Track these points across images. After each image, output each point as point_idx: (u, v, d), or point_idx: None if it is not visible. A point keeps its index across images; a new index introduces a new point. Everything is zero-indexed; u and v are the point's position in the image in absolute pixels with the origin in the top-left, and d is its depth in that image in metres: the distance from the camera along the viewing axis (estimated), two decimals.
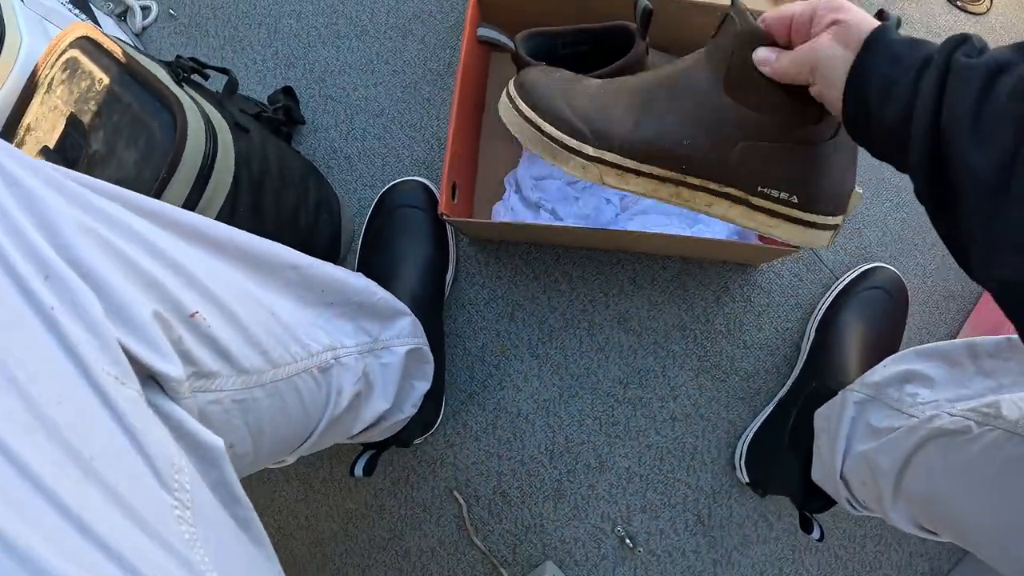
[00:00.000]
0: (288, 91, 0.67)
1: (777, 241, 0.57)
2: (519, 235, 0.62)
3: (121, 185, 0.45)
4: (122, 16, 0.72)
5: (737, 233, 0.62)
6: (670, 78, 0.40)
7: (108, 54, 0.46)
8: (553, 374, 0.62)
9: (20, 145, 0.47)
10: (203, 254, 0.32)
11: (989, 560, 0.37)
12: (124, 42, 0.49)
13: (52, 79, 0.47)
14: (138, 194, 0.29)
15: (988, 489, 0.36)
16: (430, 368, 0.53)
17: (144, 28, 0.71)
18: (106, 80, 0.46)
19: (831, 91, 0.32)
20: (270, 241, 0.36)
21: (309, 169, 0.63)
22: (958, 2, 0.72)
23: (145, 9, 0.71)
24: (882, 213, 0.67)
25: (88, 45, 0.47)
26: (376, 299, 0.46)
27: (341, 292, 0.42)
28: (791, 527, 0.63)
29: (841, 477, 0.48)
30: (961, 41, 0.29)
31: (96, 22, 0.66)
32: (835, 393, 0.52)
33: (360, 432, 0.47)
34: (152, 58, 0.50)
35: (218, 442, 0.27)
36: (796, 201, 0.38)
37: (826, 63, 0.32)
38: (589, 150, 0.42)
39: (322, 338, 0.39)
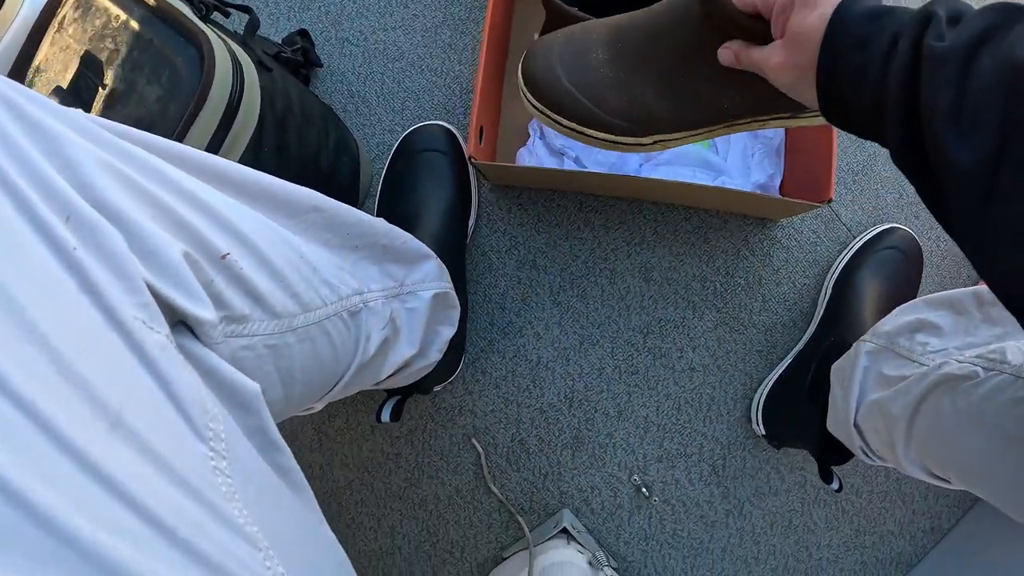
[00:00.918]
0: (304, 33, 0.65)
1: (800, 195, 0.57)
2: (544, 181, 0.61)
3: (144, 122, 0.43)
4: None
5: (759, 187, 0.62)
6: (680, 48, 0.41)
7: None
8: (574, 322, 0.62)
9: (30, 88, 0.45)
10: (229, 196, 0.30)
11: (994, 501, 0.38)
12: None
13: (64, 18, 0.45)
14: (160, 137, 0.28)
15: (993, 431, 0.36)
16: (456, 313, 0.52)
17: None
18: (123, 16, 0.44)
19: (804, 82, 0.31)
20: (292, 183, 0.35)
21: (328, 111, 0.62)
22: None
23: None
24: (900, 175, 0.67)
25: None
26: (400, 242, 0.45)
27: (366, 235, 0.41)
28: (801, 480, 0.64)
29: (855, 425, 0.49)
30: (927, 19, 0.26)
31: None
32: (851, 346, 0.52)
33: (385, 379, 0.46)
34: None
35: (254, 386, 0.26)
36: None
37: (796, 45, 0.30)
38: (645, 140, 0.44)
39: (350, 282, 0.38)
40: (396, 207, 0.58)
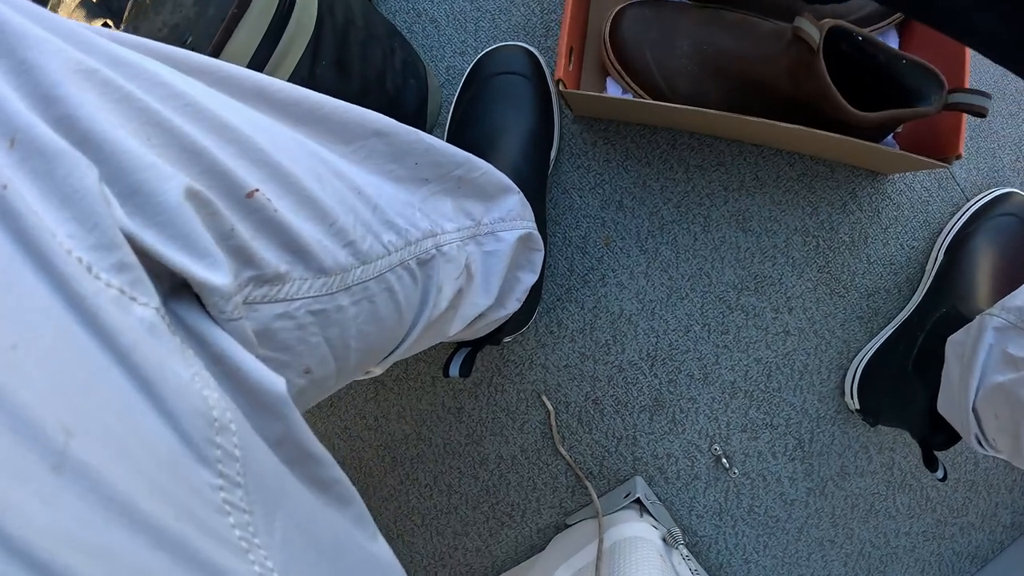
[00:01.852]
0: None
1: (921, 149, 0.51)
2: (635, 115, 0.55)
3: (180, 28, 0.36)
4: None
5: None
6: (754, 75, 0.48)
7: None
8: (662, 272, 0.56)
9: (56, 3, 0.38)
10: (264, 117, 0.23)
11: None
12: None
13: None
14: (180, 48, 0.21)
15: None
16: (539, 257, 0.46)
17: None
18: None
19: None
20: (347, 104, 0.28)
21: (392, 29, 0.55)
22: None
23: None
24: (1019, 135, 0.61)
25: None
26: (479, 173, 0.38)
27: (438, 165, 0.34)
28: (889, 462, 0.59)
29: (973, 409, 0.44)
30: None
31: None
32: (968, 319, 0.47)
33: (454, 334, 0.40)
34: None
35: (278, 384, 0.19)
36: None
37: None
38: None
39: (420, 222, 0.31)
40: (469, 136, 0.52)
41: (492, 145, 0.50)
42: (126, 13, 0.39)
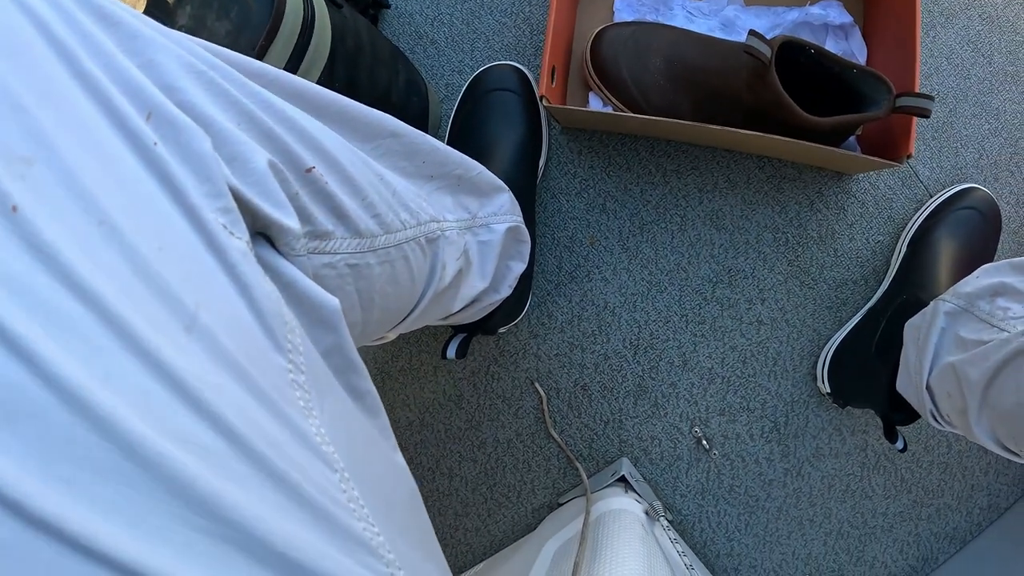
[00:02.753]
0: None
1: (878, 151, 0.56)
2: (615, 125, 0.60)
3: None
4: None
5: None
6: (719, 88, 0.53)
7: None
8: (642, 268, 0.61)
9: None
10: (309, 115, 0.29)
11: None
12: None
13: None
14: (239, 54, 0.26)
15: None
16: (526, 248, 0.52)
17: None
18: None
19: None
20: (369, 107, 0.34)
21: (396, 51, 0.61)
22: None
23: None
24: (980, 135, 0.65)
25: None
26: (475, 173, 0.45)
27: (441, 164, 0.41)
28: (863, 444, 0.62)
29: (927, 387, 0.47)
30: None
31: None
32: (926, 305, 0.51)
33: (455, 313, 0.46)
34: None
35: (333, 301, 0.24)
36: None
37: None
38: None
39: (428, 209, 0.37)
40: (466, 146, 0.57)
41: (486, 155, 0.56)
42: None
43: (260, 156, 0.23)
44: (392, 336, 0.44)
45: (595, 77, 0.59)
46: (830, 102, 0.53)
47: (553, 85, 0.55)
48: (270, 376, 0.19)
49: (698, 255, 0.61)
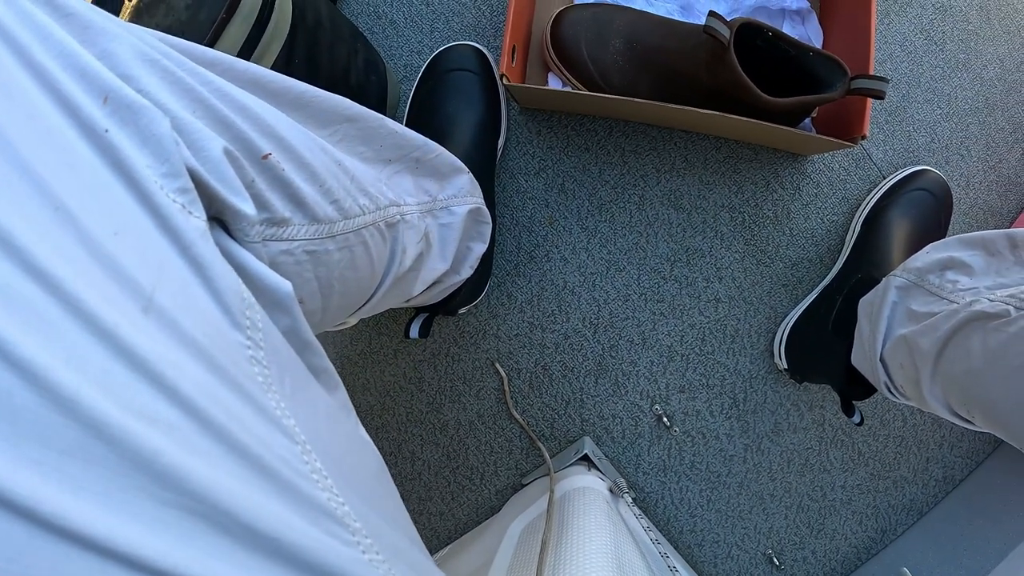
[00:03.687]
0: None
1: (833, 132, 0.57)
2: (574, 105, 0.60)
3: (174, 30, 0.42)
4: None
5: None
6: (678, 68, 0.54)
7: None
8: (601, 247, 0.61)
9: None
10: (264, 102, 0.29)
11: (1018, 443, 0.38)
12: None
13: None
14: (193, 43, 0.26)
15: (1022, 371, 0.36)
16: (487, 229, 0.52)
17: None
18: None
19: None
20: (325, 92, 0.34)
21: (355, 30, 0.60)
22: None
23: None
24: (932, 119, 0.67)
25: None
26: (434, 155, 0.44)
27: (399, 147, 0.40)
28: (820, 419, 0.64)
29: (880, 360, 0.49)
30: None
31: None
32: (880, 282, 0.52)
33: (416, 296, 0.46)
34: None
35: (286, 285, 0.24)
36: None
37: None
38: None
39: (387, 193, 0.37)
40: (425, 126, 0.57)
41: (445, 135, 0.55)
42: (121, 15, 0.44)
43: (215, 143, 0.23)
44: (353, 321, 0.44)
45: (555, 57, 0.59)
46: (787, 84, 0.53)
47: (513, 64, 0.55)
48: (228, 353, 0.19)
49: (656, 234, 0.61)
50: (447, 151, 0.46)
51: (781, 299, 0.62)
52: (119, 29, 0.22)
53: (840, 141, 0.52)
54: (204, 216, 0.21)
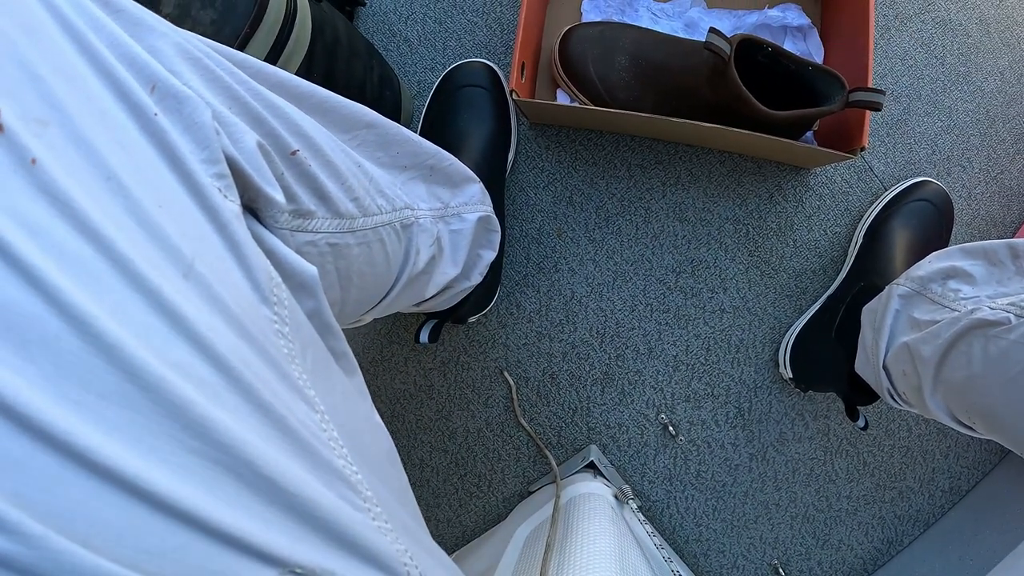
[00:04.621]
0: None
1: (834, 144, 0.58)
2: (582, 121, 0.62)
3: None
4: None
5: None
6: (682, 86, 0.55)
7: None
8: (608, 259, 0.62)
9: None
10: (292, 105, 0.31)
11: (1019, 449, 0.38)
12: None
13: None
14: (224, 46, 0.28)
15: (1022, 378, 0.36)
16: (497, 237, 0.53)
17: None
18: None
19: None
20: (346, 99, 0.36)
21: (371, 47, 0.62)
22: None
23: None
24: (933, 132, 0.68)
25: None
26: (447, 164, 0.46)
27: (415, 154, 0.42)
28: (825, 428, 0.64)
29: (883, 367, 0.49)
30: None
31: None
32: (882, 291, 0.53)
33: (427, 299, 0.47)
34: None
35: (312, 269, 0.25)
36: None
37: None
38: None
39: (403, 197, 0.39)
40: (437, 140, 0.58)
41: (457, 148, 0.57)
42: None
43: (250, 137, 0.24)
44: (367, 319, 0.45)
45: (563, 74, 0.61)
46: (787, 99, 0.55)
47: (523, 80, 0.57)
48: (258, 324, 0.20)
49: (662, 246, 0.63)
50: (459, 161, 0.48)
51: (785, 309, 0.63)
52: (165, 27, 0.23)
53: (840, 153, 0.54)
54: (239, 201, 0.23)
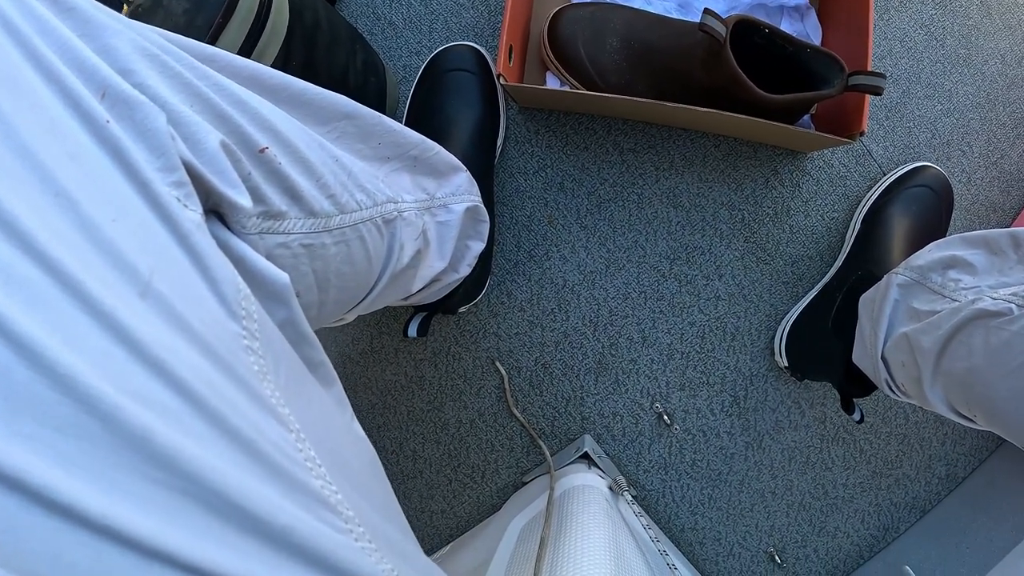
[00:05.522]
0: None
1: (832, 128, 0.57)
2: (572, 104, 0.61)
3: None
4: None
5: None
6: (675, 68, 0.54)
7: None
8: (600, 246, 0.61)
9: None
10: (263, 99, 0.29)
11: (1020, 442, 0.38)
12: None
13: None
14: (191, 39, 0.27)
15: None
16: (485, 227, 0.52)
17: None
18: None
19: None
20: (324, 89, 0.34)
21: (354, 32, 0.61)
22: None
23: None
24: (933, 115, 0.66)
25: None
26: (432, 153, 0.45)
27: (397, 145, 0.41)
28: (821, 416, 0.64)
29: (882, 357, 0.49)
30: None
31: None
32: (880, 280, 0.52)
33: (414, 293, 0.46)
34: None
35: (283, 276, 0.24)
36: None
37: None
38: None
39: (385, 190, 0.37)
40: (424, 127, 0.57)
41: (444, 135, 0.56)
42: None
43: (212, 136, 0.23)
44: (351, 318, 0.44)
45: (552, 57, 0.59)
46: (785, 82, 0.53)
47: (511, 64, 0.55)
48: (224, 341, 0.19)
49: (655, 232, 0.62)
50: (445, 150, 0.46)
51: (781, 296, 0.62)
52: (119, 25, 0.22)
53: (838, 138, 0.52)
54: (200, 210, 0.21)
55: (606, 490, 0.55)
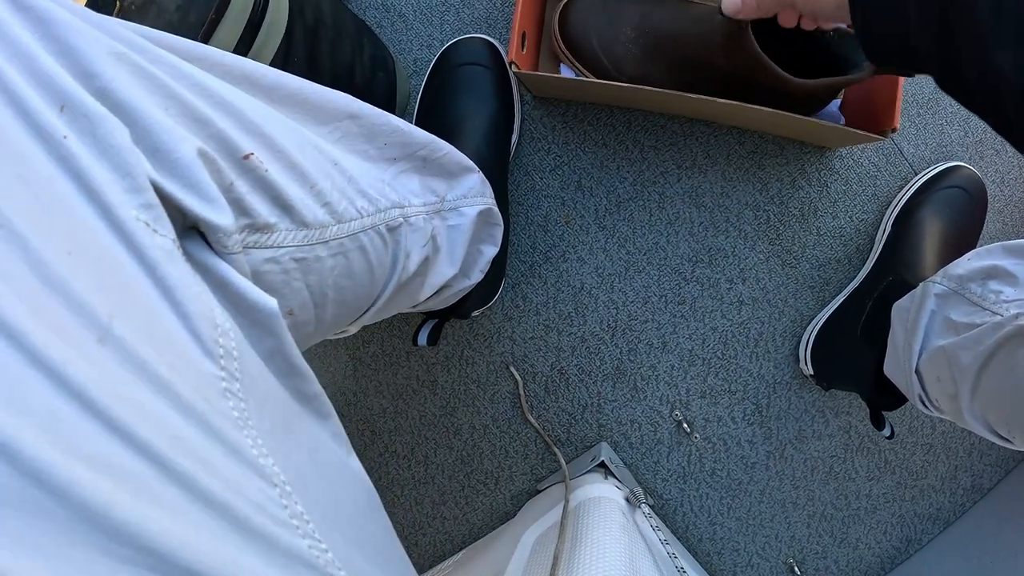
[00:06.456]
0: None
1: (862, 124, 0.54)
2: (590, 95, 0.58)
3: (166, 32, 0.41)
4: None
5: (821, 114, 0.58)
6: (693, 56, 0.52)
7: None
8: (619, 247, 0.59)
9: None
10: (256, 99, 0.27)
11: None
12: None
13: None
14: (176, 36, 0.24)
15: None
16: (499, 231, 0.50)
17: None
18: None
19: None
20: (324, 87, 0.32)
21: (361, 25, 0.58)
22: None
23: None
24: (965, 112, 0.64)
25: None
26: (442, 154, 0.42)
27: (405, 145, 0.38)
28: (846, 425, 0.61)
29: (916, 371, 0.46)
30: None
31: None
32: (914, 287, 0.50)
33: (424, 300, 0.44)
34: None
35: (271, 303, 0.22)
36: None
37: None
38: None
39: (390, 195, 0.34)
40: (434, 123, 0.55)
41: (456, 131, 0.53)
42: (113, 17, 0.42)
43: (187, 145, 0.21)
44: (354, 330, 0.42)
45: (564, 48, 0.57)
46: (809, 67, 0.51)
47: (523, 52, 0.53)
48: (198, 387, 0.18)
49: (677, 234, 0.59)
50: (455, 149, 0.44)
51: (807, 301, 0.60)
52: (82, 23, 0.20)
53: (869, 134, 0.50)
54: (171, 234, 0.19)
55: (623, 502, 0.53)
